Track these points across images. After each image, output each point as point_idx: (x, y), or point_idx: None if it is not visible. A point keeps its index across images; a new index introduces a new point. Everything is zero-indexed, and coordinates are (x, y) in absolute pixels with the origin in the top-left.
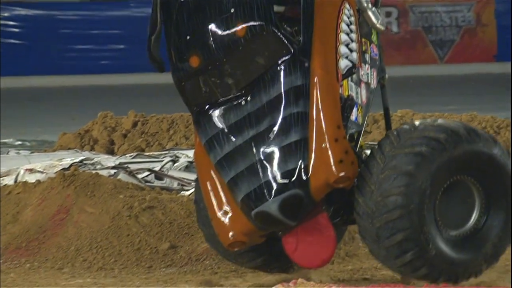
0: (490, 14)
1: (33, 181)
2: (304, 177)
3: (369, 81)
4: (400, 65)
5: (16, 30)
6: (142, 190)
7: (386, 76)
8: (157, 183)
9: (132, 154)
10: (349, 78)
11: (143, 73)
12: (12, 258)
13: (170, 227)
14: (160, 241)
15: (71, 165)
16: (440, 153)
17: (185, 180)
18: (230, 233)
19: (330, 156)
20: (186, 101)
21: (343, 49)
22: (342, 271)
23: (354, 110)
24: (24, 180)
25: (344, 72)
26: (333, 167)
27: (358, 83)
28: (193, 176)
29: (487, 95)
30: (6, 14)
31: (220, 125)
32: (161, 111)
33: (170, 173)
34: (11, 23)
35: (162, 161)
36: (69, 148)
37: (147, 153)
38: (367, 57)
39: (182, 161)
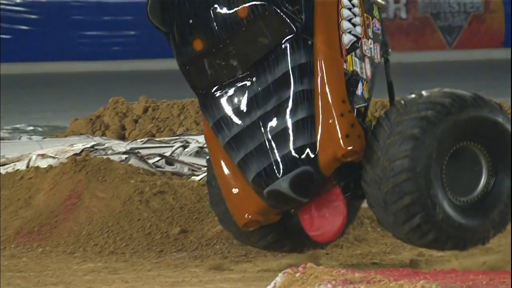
0: (498, 1)
1: (45, 166)
2: (312, 154)
3: (373, 55)
4: (409, 51)
5: (30, 16)
6: (153, 175)
7: (390, 50)
8: (168, 168)
9: (143, 139)
10: (353, 54)
11: (154, 59)
12: (24, 243)
13: (180, 211)
14: (170, 226)
15: (82, 151)
16: (445, 117)
17: (196, 165)
18: (245, 214)
19: (337, 131)
20: (191, 84)
21: (345, 24)
22: (351, 255)
23: (360, 85)
24: (36, 165)
25: (348, 47)
26: (340, 141)
27: (362, 58)
28: (203, 162)
29: (495, 81)
30: (19, 1)
31: (227, 107)
32: (172, 97)
33: (181, 158)
34: (25, 9)
35: (173, 146)
36: (81, 134)
37: (158, 139)
38: (370, 32)
39: (193, 146)
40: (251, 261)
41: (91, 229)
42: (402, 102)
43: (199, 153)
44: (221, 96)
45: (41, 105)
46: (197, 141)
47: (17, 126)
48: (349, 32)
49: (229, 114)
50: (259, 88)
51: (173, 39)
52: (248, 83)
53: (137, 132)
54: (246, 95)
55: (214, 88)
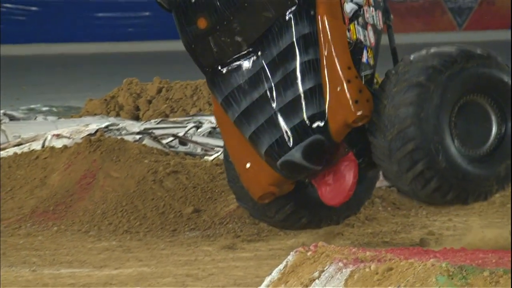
0: None
1: (60, 146)
2: (322, 122)
3: (375, 23)
4: (419, 32)
5: None
6: (166, 155)
7: (391, 16)
8: (181, 148)
9: (156, 119)
10: (356, 22)
11: (168, 40)
12: (40, 222)
13: (193, 191)
14: (184, 205)
15: (97, 131)
16: (451, 66)
17: (209, 145)
18: (260, 186)
19: (345, 97)
20: (198, 63)
21: None
22: (362, 234)
23: (364, 52)
24: (51, 145)
25: (350, 15)
26: (350, 107)
27: (364, 26)
28: (216, 142)
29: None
30: None
31: (234, 82)
32: (185, 77)
33: (194, 138)
34: None
35: (186, 126)
36: (95, 114)
37: (171, 119)
38: None
39: (206, 126)
40: (264, 240)
41: (106, 208)
42: (410, 56)
43: (212, 133)
44: (228, 72)
45: (56, 86)
46: (210, 122)
47: (33, 106)
48: (351, 1)
49: (237, 90)
50: (265, 62)
51: (177, 19)
52: (254, 58)
53: (150, 113)
54: (252, 70)
55: (221, 65)
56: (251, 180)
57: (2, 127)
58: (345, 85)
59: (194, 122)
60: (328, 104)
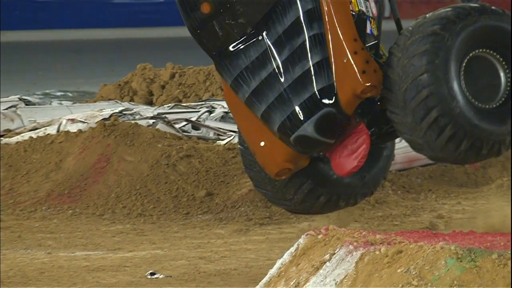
0: None
1: (75, 130)
2: (332, 95)
3: None
4: None
5: None
6: (179, 139)
7: None
8: (194, 132)
9: (170, 104)
10: None
11: (181, 26)
12: (55, 205)
13: (206, 175)
14: (197, 189)
15: (111, 115)
16: (465, 17)
17: (221, 130)
18: (275, 163)
19: (353, 68)
20: (204, 48)
21: None
22: (372, 217)
23: (368, 23)
24: (66, 129)
25: None
26: (358, 78)
27: None
28: (228, 126)
29: None
30: None
31: (242, 63)
32: (198, 63)
33: (207, 123)
34: None
35: (199, 111)
36: (109, 99)
37: (184, 104)
38: None
39: (218, 111)
40: (275, 223)
41: (120, 191)
42: (425, 15)
43: (224, 118)
44: (235, 54)
45: (71, 71)
46: (223, 106)
47: (48, 91)
48: None
49: (246, 70)
50: (271, 40)
51: (180, 5)
52: (260, 37)
53: (164, 98)
54: (259, 49)
55: (227, 48)
56: (267, 158)
57: (18, 111)
58: (352, 56)
59: (207, 107)
60: (336, 77)
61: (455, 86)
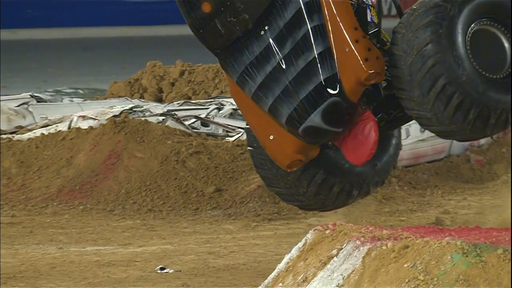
0: None
1: (86, 127)
2: (336, 84)
3: None
4: None
5: None
6: (189, 136)
7: None
8: (203, 129)
9: (179, 101)
10: None
11: None
12: (66, 201)
13: (215, 171)
14: (206, 185)
15: (121, 112)
16: None
17: (230, 127)
18: (286, 155)
19: (355, 57)
20: (208, 46)
21: None
22: (379, 213)
23: (367, 11)
24: (77, 126)
25: None
26: (361, 66)
27: None
28: (237, 123)
29: None
30: None
31: (246, 59)
32: (207, 60)
33: (216, 119)
34: None
35: (208, 108)
36: (120, 96)
37: (193, 101)
38: None
39: (227, 108)
40: (283, 219)
41: (130, 187)
42: None
43: (233, 114)
44: (239, 50)
45: (82, 69)
46: (231, 103)
47: (59, 88)
48: None
49: (250, 66)
50: (273, 34)
51: (181, 6)
52: (262, 32)
53: (173, 95)
54: (262, 44)
55: (230, 45)
56: (277, 150)
57: (30, 108)
58: (353, 45)
59: (216, 104)
60: (339, 66)
61: (461, 54)
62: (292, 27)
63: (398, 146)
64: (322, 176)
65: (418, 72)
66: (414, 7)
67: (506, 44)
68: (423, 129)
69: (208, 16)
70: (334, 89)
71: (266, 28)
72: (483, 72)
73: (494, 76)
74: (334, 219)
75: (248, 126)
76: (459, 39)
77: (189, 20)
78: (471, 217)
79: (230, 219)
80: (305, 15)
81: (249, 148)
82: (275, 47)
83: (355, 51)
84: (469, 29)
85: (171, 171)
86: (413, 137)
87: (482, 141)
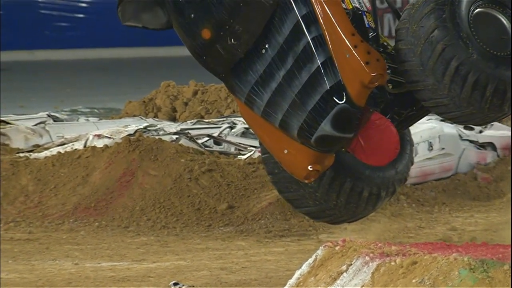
0: None
1: (101, 146)
2: (342, 90)
3: None
4: None
5: (85, 5)
6: (202, 154)
7: None
8: (216, 147)
9: (192, 120)
10: None
11: None
12: (82, 217)
13: (228, 188)
14: (218, 202)
15: (136, 131)
16: None
17: (242, 145)
18: (302, 167)
19: (356, 61)
20: (212, 71)
21: None
22: (388, 230)
23: (364, 17)
24: (93, 145)
25: None
26: (363, 69)
27: None
28: (249, 141)
29: None
30: None
31: (251, 79)
32: (219, 81)
33: (228, 138)
34: None
35: (220, 127)
36: (134, 115)
37: (206, 120)
38: None
39: (239, 127)
40: (294, 235)
41: (144, 204)
42: None
43: (245, 133)
44: (243, 71)
45: (98, 89)
46: (243, 122)
47: (75, 108)
48: None
49: (256, 85)
50: (274, 51)
51: (182, 35)
52: (263, 50)
53: (187, 114)
54: (264, 62)
55: (233, 67)
56: (293, 164)
57: (47, 127)
58: (352, 50)
59: (228, 123)
60: (342, 73)
61: (468, 34)
62: (292, 42)
63: (412, 142)
64: (350, 184)
65: (429, 60)
66: (413, 2)
67: (507, 24)
68: (430, 148)
69: (209, 42)
70: (340, 96)
71: (266, 46)
72: (491, 51)
73: (501, 54)
74: (344, 235)
75: (265, 155)
76: (464, 21)
77: (191, 48)
78: (478, 234)
79: (242, 235)
80: (303, 28)
81: (270, 176)
82: (277, 63)
83: (356, 56)
84: (470, 12)
85: (185, 189)
86: (421, 155)
87: (489, 159)
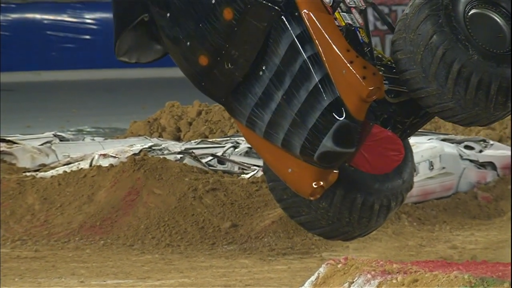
0: None
1: (107, 165)
2: (341, 106)
3: (357, 4)
4: None
5: (92, 27)
6: (205, 173)
7: None
8: (220, 167)
9: (196, 140)
10: (339, 10)
11: None
12: (87, 236)
13: (231, 207)
14: (222, 220)
15: (141, 151)
16: None
17: (245, 164)
18: (307, 184)
19: (353, 77)
20: (212, 97)
21: None
22: (389, 248)
23: (357, 33)
24: (98, 164)
25: (332, 3)
26: (360, 84)
27: (348, 11)
28: (252, 161)
29: None
30: (86, 15)
31: (251, 102)
32: None
33: (232, 157)
34: (88, 21)
35: (224, 146)
36: (139, 135)
37: (210, 140)
38: None
39: (242, 147)
40: (297, 253)
41: (149, 223)
42: None
43: (248, 153)
44: (242, 94)
45: (103, 109)
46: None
47: (81, 128)
48: None
49: (256, 107)
50: (272, 72)
51: (179, 63)
52: (261, 72)
53: (191, 134)
54: (263, 84)
55: (233, 91)
56: (297, 182)
57: (53, 147)
58: (349, 66)
59: (232, 142)
60: (339, 89)
61: (466, 36)
62: (288, 62)
63: (411, 149)
64: (361, 199)
65: (431, 66)
66: (406, 12)
67: (501, 22)
68: (431, 167)
69: (206, 68)
70: (340, 112)
71: (263, 68)
72: (490, 49)
73: (501, 51)
74: (346, 253)
75: (271, 183)
76: (461, 24)
77: (189, 75)
78: (479, 252)
79: (246, 253)
80: (299, 47)
81: (280, 203)
82: (275, 84)
83: (352, 71)
84: (465, 14)
85: (189, 207)
86: (422, 174)
87: (489, 178)
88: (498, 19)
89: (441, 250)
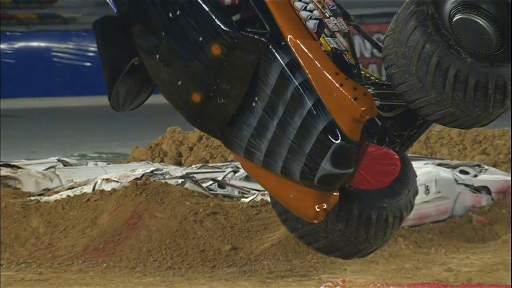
0: None
1: (109, 189)
2: (335, 129)
3: (341, 28)
4: None
5: (93, 54)
6: (206, 197)
7: (352, 17)
8: (220, 191)
9: (197, 165)
10: (323, 35)
11: None
12: (90, 259)
13: (231, 230)
14: (222, 243)
15: (143, 175)
16: None
17: (245, 189)
18: (309, 208)
19: (345, 99)
20: (208, 132)
21: (303, 13)
22: (386, 270)
23: (344, 56)
24: (101, 188)
25: (316, 30)
26: (352, 105)
27: (333, 35)
28: (252, 185)
29: None
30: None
31: (247, 133)
32: None
33: (232, 182)
34: (91, 48)
35: (224, 171)
36: (141, 160)
37: (211, 164)
38: (327, 11)
39: (242, 171)
40: (295, 276)
41: (151, 246)
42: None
43: (248, 177)
44: (237, 127)
45: (106, 135)
46: None
47: (84, 153)
48: (310, 18)
49: (252, 138)
50: (264, 102)
51: (173, 102)
52: (253, 104)
53: (192, 159)
54: (256, 115)
55: (228, 124)
56: (300, 207)
57: (57, 172)
58: (340, 89)
59: (232, 167)
60: (332, 112)
61: (457, 41)
62: (280, 90)
63: (408, 158)
64: (375, 215)
65: (427, 75)
66: (392, 27)
67: (484, 24)
68: (427, 191)
69: (200, 105)
70: (335, 135)
71: (256, 99)
72: (481, 51)
73: (491, 51)
74: (344, 275)
75: (282, 216)
76: (448, 30)
77: (184, 113)
78: (474, 275)
79: (245, 276)
80: (289, 75)
81: (294, 233)
82: (269, 114)
83: (344, 94)
84: (450, 20)
85: (190, 231)
86: (418, 198)
87: (484, 202)
88: (481, 21)
89: (437, 272)
